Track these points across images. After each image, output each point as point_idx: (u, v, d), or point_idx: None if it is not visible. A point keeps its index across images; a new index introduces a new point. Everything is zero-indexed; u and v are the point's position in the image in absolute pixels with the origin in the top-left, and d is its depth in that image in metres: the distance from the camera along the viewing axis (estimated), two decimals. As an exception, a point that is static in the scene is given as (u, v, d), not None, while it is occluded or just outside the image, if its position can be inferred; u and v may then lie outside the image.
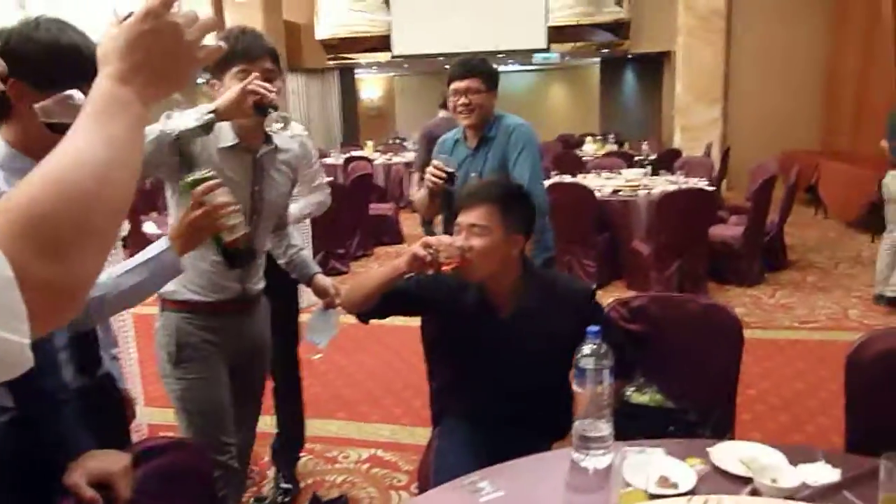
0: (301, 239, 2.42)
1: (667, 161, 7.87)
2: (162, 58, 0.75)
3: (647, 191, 5.83)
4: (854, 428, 1.78)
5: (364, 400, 3.73)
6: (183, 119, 1.65)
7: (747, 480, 1.39)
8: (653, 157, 8.45)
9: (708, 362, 2.12)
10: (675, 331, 2.17)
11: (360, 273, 6.27)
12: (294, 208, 2.60)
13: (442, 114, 6.26)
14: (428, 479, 1.93)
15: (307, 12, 13.15)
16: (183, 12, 0.77)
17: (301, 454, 2.97)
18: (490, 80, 2.64)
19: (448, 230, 2.37)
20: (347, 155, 10.06)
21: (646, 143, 9.84)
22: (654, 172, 6.86)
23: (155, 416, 3.18)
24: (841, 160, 8.16)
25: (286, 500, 2.74)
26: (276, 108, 1.76)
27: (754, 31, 10.25)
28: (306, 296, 5.21)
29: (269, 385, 2.43)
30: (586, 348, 1.49)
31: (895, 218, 4.96)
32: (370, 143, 11.19)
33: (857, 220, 7.50)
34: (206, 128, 1.71)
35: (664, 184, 6.13)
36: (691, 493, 1.35)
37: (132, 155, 0.72)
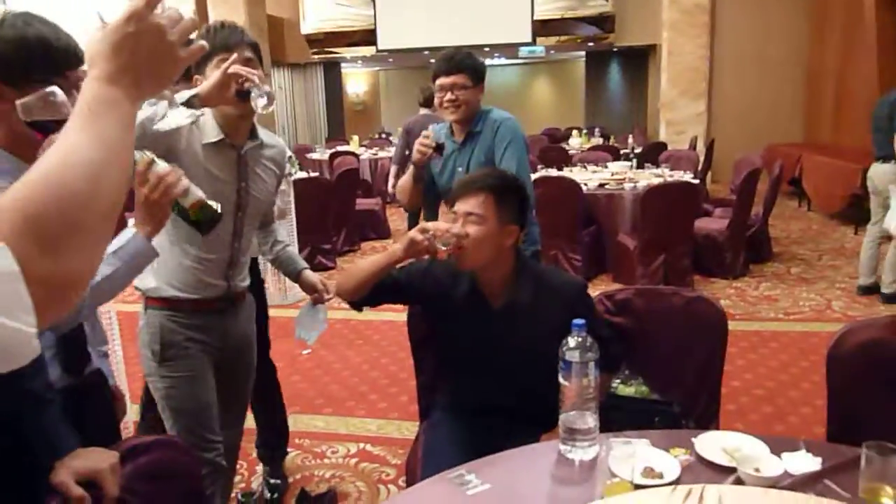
0: (287, 235, 2.42)
1: (652, 154, 7.91)
2: (147, 58, 0.77)
3: (632, 184, 5.87)
4: (835, 418, 1.80)
5: (350, 395, 3.74)
6: (173, 117, 1.63)
7: (731, 470, 1.41)
8: (638, 150, 8.48)
9: (692, 354, 2.14)
10: (659, 323, 2.18)
11: (345, 268, 6.27)
12: None
13: (423, 111, 6.26)
14: (415, 472, 1.94)
15: (291, 7, 13.08)
16: (166, 13, 0.79)
17: (288, 450, 2.97)
18: (476, 75, 2.63)
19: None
20: (333, 150, 10.02)
21: (631, 136, 9.88)
22: (640, 166, 6.89)
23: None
24: (823, 153, 8.24)
25: (274, 495, 2.74)
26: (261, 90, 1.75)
27: (738, 26, 10.32)
28: (293, 292, 5.24)
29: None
30: (571, 341, 1.50)
31: (879, 210, 5.01)
32: (356, 138, 11.16)
33: (840, 213, 7.58)
34: (188, 109, 1.69)
35: (650, 177, 6.17)
36: (676, 482, 1.37)
37: (123, 154, 0.74)
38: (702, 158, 8.32)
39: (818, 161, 8.03)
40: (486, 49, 12.43)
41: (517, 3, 12.05)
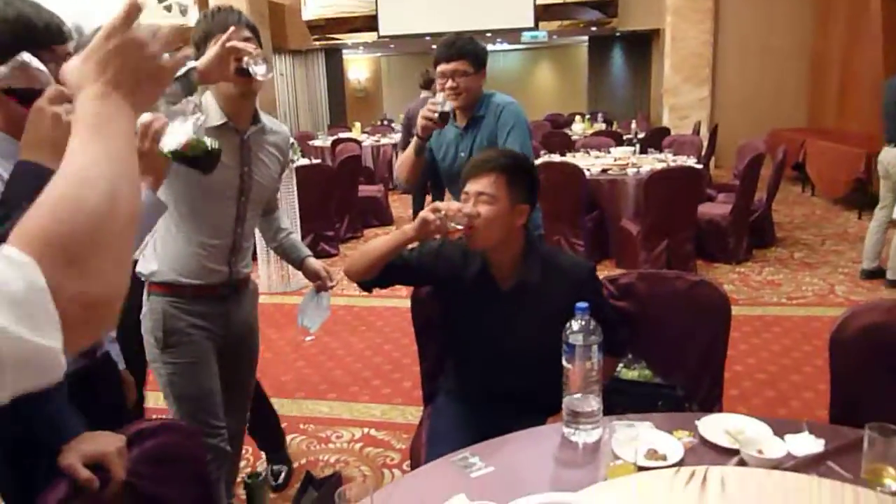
0: (290, 223, 2.41)
1: (655, 140, 7.89)
2: (132, 73, 0.79)
3: (635, 169, 5.85)
4: (837, 401, 1.81)
5: (354, 381, 3.75)
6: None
7: (734, 452, 1.42)
8: (641, 135, 8.46)
9: (695, 338, 2.14)
10: (662, 308, 2.18)
11: (348, 255, 6.27)
12: None
13: (423, 94, 6.24)
14: (420, 456, 1.95)
15: (292, -7, 13.01)
16: (144, 26, 0.80)
17: (288, 436, 2.98)
18: (477, 61, 2.61)
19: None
20: (335, 137, 10.01)
21: (634, 121, 9.85)
22: (643, 151, 6.87)
23: (147, 400, 3.18)
24: (827, 138, 8.20)
25: (279, 481, 2.76)
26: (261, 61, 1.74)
27: (742, 11, 10.25)
28: (296, 279, 5.26)
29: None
30: (575, 324, 1.51)
31: (888, 194, 4.99)
32: (358, 125, 11.13)
33: (843, 198, 7.56)
34: (187, 85, 1.67)
35: (653, 162, 6.15)
36: (679, 464, 1.38)
37: (132, 166, 0.75)
38: (705, 144, 8.29)
39: (822, 146, 8.00)
40: (489, 34, 12.36)
41: (519, -12, 11.96)
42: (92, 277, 0.65)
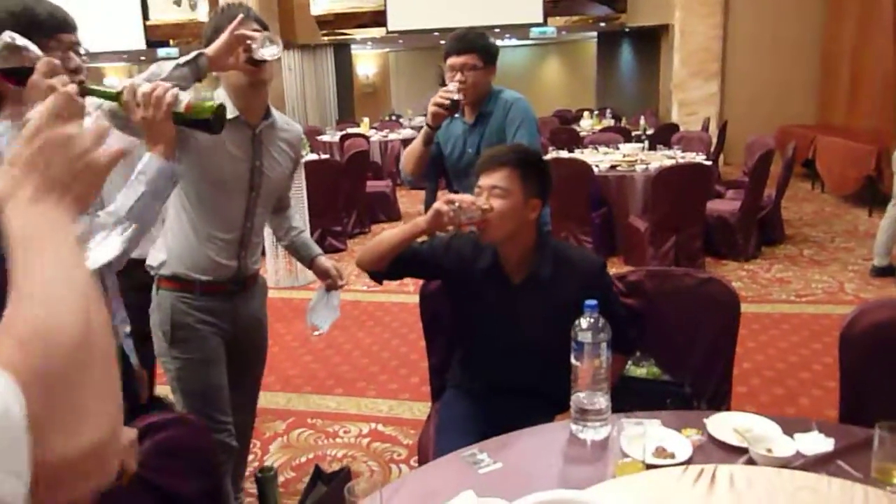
0: (302, 221, 2.41)
1: (664, 136, 7.86)
2: (64, 170, 0.70)
3: (644, 166, 5.83)
4: (847, 399, 1.80)
5: (361, 376, 3.76)
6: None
7: (743, 450, 1.42)
8: (650, 132, 8.43)
9: (704, 336, 2.14)
10: (671, 305, 2.18)
11: (356, 250, 6.29)
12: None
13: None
14: (427, 452, 1.95)
15: (301, -12, 13.00)
16: (70, 125, 0.73)
17: (296, 430, 2.99)
18: (487, 55, 2.60)
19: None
20: (343, 132, 10.02)
21: (643, 117, 9.82)
22: (652, 147, 6.85)
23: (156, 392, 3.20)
24: (837, 135, 8.15)
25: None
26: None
27: (751, 5, 10.18)
28: (304, 274, 5.27)
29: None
30: (584, 322, 1.51)
31: None
32: (366, 120, 11.13)
33: (853, 195, 7.52)
34: (196, 71, 1.68)
35: (661, 159, 6.13)
36: (688, 462, 1.37)
37: (88, 276, 0.66)
38: (714, 140, 8.26)
39: (832, 142, 7.95)
40: (497, 30, 12.32)
41: (528, -17, 11.92)
42: (77, 421, 0.55)
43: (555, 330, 1.65)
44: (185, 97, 1.48)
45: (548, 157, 5.82)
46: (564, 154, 6.54)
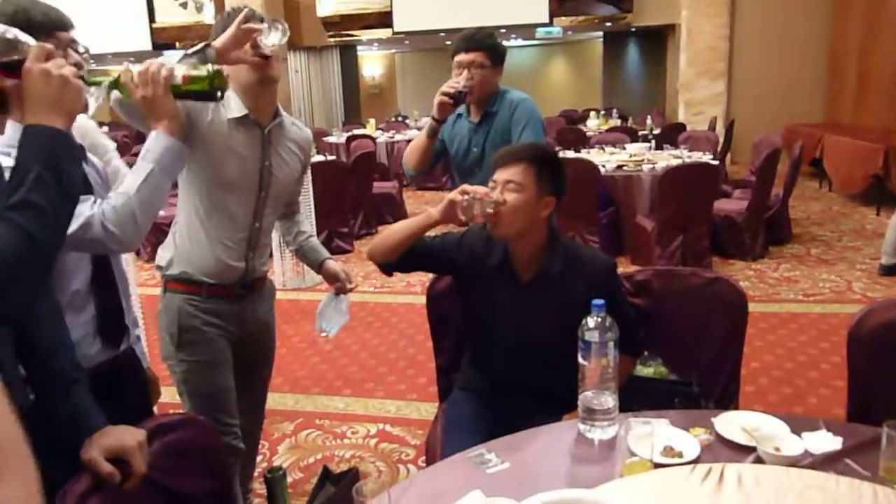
0: (310, 226, 2.41)
1: (671, 135, 7.84)
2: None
3: (651, 165, 5.82)
4: (855, 398, 1.80)
5: (369, 377, 3.77)
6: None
7: (751, 449, 1.41)
8: (657, 131, 8.41)
9: (712, 335, 2.14)
10: (678, 305, 2.18)
11: (363, 251, 6.29)
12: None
13: None
14: (435, 452, 1.95)
15: (307, -11, 13.03)
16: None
17: (304, 431, 2.99)
18: (495, 55, 2.60)
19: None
20: (349, 133, 10.03)
21: (649, 117, 9.81)
22: (658, 147, 6.84)
23: (164, 395, 3.21)
24: (845, 133, 8.12)
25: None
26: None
27: (758, 4, 10.15)
28: (311, 275, 5.28)
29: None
30: (591, 321, 1.51)
31: None
32: (372, 122, 11.15)
33: (861, 194, 7.49)
34: (203, 60, 1.68)
35: (668, 158, 6.12)
36: (696, 461, 1.37)
37: None
38: (721, 139, 8.24)
39: (839, 141, 7.92)
40: (503, 30, 12.31)
41: (534, -17, 11.91)
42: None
43: (563, 329, 1.65)
44: (181, 70, 1.49)
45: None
46: (571, 154, 6.53)
